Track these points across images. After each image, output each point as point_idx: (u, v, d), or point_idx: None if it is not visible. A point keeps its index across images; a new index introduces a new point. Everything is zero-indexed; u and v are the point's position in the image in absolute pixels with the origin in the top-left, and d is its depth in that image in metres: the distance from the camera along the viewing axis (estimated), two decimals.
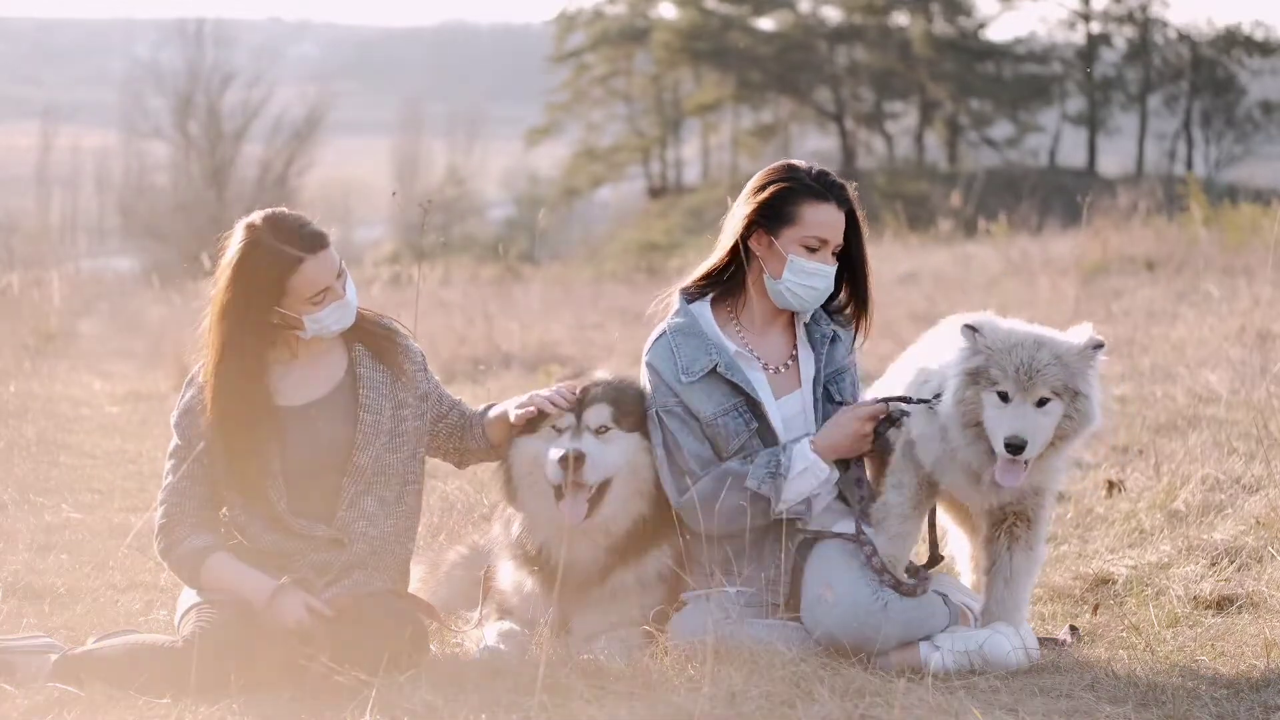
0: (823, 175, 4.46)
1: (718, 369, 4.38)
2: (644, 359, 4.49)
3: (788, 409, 4.44)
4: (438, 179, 51.17)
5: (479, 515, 5.75)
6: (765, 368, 4.46)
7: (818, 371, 4.47)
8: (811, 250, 4.39)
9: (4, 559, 5.55)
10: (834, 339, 4.51)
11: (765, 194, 4.44)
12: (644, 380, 4.48)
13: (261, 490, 4.26)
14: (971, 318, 4.20)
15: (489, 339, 12.00)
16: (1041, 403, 4.05)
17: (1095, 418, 4.12)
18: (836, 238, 4.42)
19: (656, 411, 4.41)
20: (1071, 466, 6.73)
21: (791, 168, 4.48)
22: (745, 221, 4.45)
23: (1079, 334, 4.13)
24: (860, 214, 4.50)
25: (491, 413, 4.49)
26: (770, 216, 4.42)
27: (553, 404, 4.36)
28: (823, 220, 4.40)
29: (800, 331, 4.51)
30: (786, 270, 4.40)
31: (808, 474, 4.31)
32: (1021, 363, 4.03)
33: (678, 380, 4.39)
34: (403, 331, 4.53)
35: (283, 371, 4.34)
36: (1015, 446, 4.02)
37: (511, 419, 4.41)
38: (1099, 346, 4.09)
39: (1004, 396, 4.05)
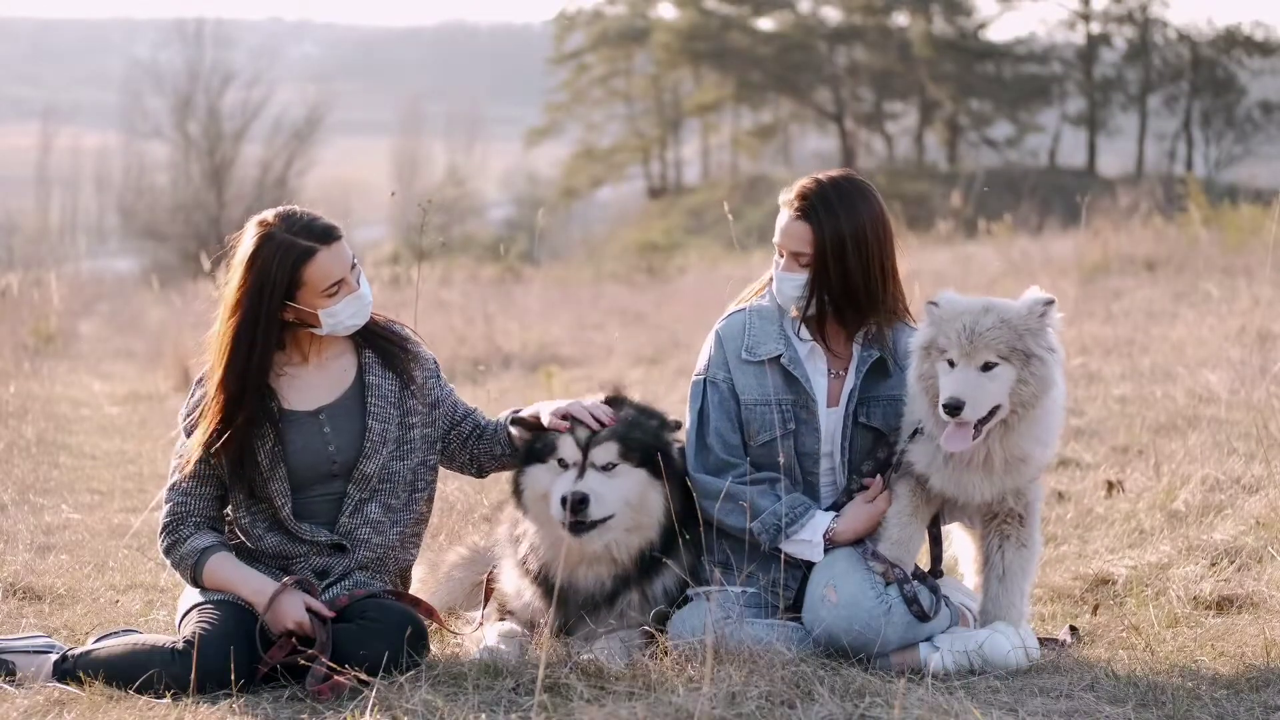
0: (803, 188, 4.41)
1: (781, 359, 4.40)
2: (715, 327, 4.51)
3: (830, 420, 4.44)
4: (438, 179, 51.13)
5: (479, 516, 5.75)
6: (829, 373, 4.46)
7: (854, 389, 4.44)
8: (782, 256, 4.44)
9: (4, 559, 5.56)
10: (878, 363, 4.44)
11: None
12: (705, 348, 4.50)
13: (265, 493, 4.26)
14: (947, 294, 4.22)
15: (489, 339, 12.02)
16: (988, 367, 4.04)
17: (1054, 380, 4.11)
18: (791, 245, 4.39)
19: (704, 380, 4.44)
20: (1070, 467, 6.74)
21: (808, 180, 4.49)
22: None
23: (1028, 295, 4.16)
24: (834, 234, 4.33)
25: (524, 412, 4.48)
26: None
27: (593, 417, 4.33)
28: (779, 228, 4.43)
29: (855, 348, 4.48)
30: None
31: (805, 546, 4.32)
32: (964, 327, 4.05)
33: (738, 355, 4.42)
34: (414, 338, 4.53)
35: (292, 375, 4.34)
36: (952, 408, 4.01)
37: (545, 422, 4.37)
38: (1049, 304, 4.10)
39: (952, 363, 4.06)
